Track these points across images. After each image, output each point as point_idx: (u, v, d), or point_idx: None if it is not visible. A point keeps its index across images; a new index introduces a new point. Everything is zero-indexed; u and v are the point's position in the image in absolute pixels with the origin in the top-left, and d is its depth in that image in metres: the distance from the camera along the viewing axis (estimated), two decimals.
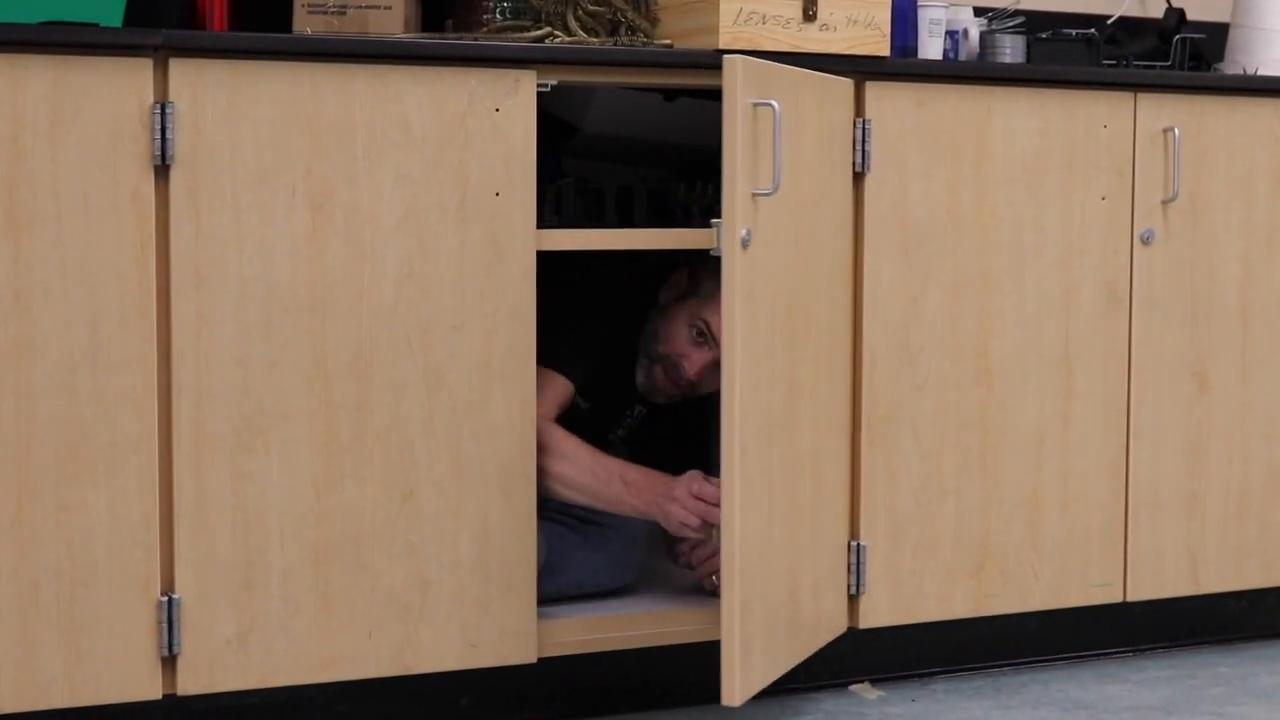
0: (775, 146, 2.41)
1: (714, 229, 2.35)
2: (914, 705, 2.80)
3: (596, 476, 2.66)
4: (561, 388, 2.74)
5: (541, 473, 2.60)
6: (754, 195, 2.36)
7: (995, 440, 2.88)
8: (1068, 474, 2.94)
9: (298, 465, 2.42)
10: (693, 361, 2.78)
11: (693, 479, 2.64)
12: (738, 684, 2.36)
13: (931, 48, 3.03)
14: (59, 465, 2.31)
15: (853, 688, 2.86)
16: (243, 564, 2.40)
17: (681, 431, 3.00)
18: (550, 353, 2.67)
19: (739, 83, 2.30)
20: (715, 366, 2.74)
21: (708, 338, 2.76)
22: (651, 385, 2.85)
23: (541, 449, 2.60)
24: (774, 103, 2.38)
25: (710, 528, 2.64)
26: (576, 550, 2.74)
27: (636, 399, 2.91)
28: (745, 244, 2.33)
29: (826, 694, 2.84)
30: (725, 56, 2.31)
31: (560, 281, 2.72)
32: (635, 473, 2.67)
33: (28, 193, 2.27)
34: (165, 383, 2.36)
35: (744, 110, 2.31)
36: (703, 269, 2.78)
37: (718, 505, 2.53)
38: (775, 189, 2.43)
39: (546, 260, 2.58)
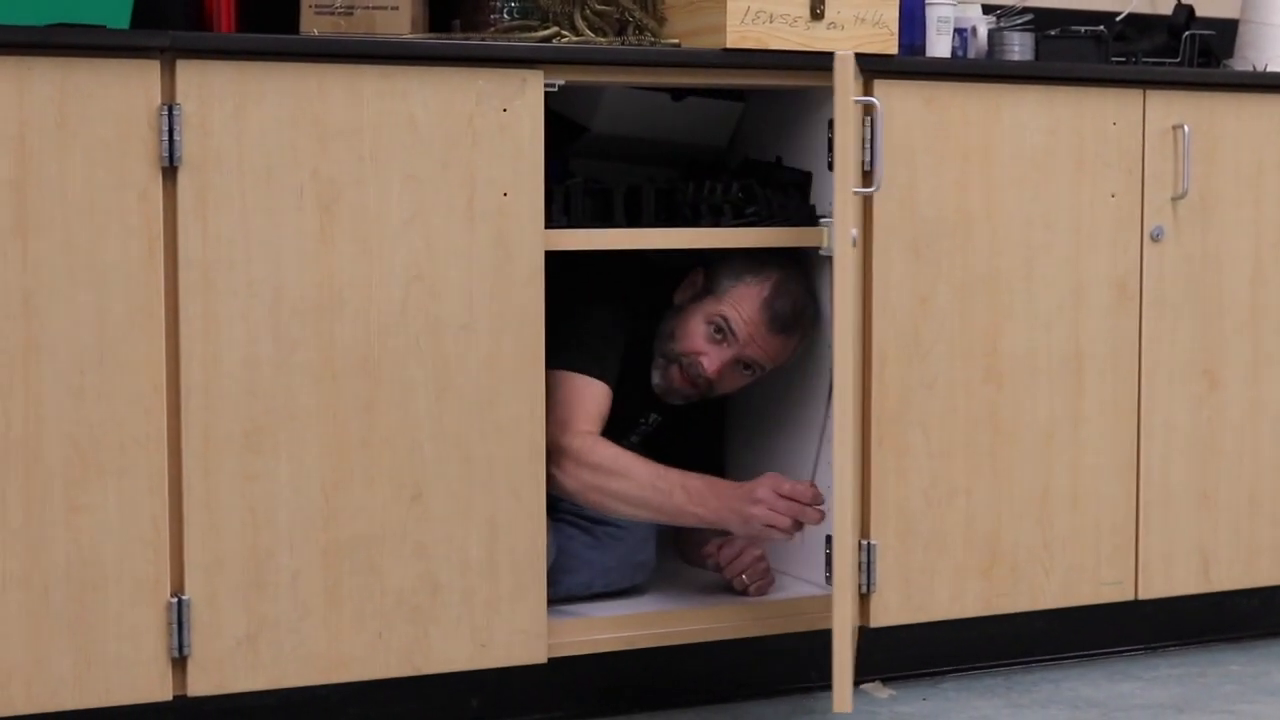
0: (875, 144, 2.50)
1: (824, 229, 2.34)
2: (925, 704, 2.80)
3: (658, 490, 2.61)
4: (601, 394, 2.70)
5: (596, 491, 2.60)
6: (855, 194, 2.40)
7: (1005, 438, 2.87)
8: (1078, 472, 2.94)
9: (306, 466, 2.42)
10: (711, 359, 2.75)
11: (776, 480, 2.60)
12: (849, 690, 2.41)
13: (939, 45, 3.03)
14: (68, 467, 2.31)
15: (864, 686, 2.86)
16: (252, 565, 2.40)
17: (694, 439, 2.99)
18: (577, 357, 2.66)
19: (851, 80, 2.31)
20: (733, 364, 2.75)
21: (726, 334, 2.74)
22: (668, 386, 2.81)
23: (595, 467, 2.59)
24: (876, 100, 2.41)
25: (800, 528, 2.61)
26: (586, 551, 2.73)
27: (651, 406, 2.88)
28: (855, 244, 2.36)
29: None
30: (837, 54, 2.32)
31: (576, 285, 2.72)
32: (697, 481, 2.63)
33: (35, 195, 2.28)
34: (174, 384, 2.36)
35: (855, 108, 2.33)
36: (718, 268, 2.78)
37: (810, 504, 2.56)
38: (877, 188, 2.52)
39: (561, 263, 2.58)
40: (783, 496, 2.58)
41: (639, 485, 2.61)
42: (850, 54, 2.32)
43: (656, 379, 2.81)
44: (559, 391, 2.66)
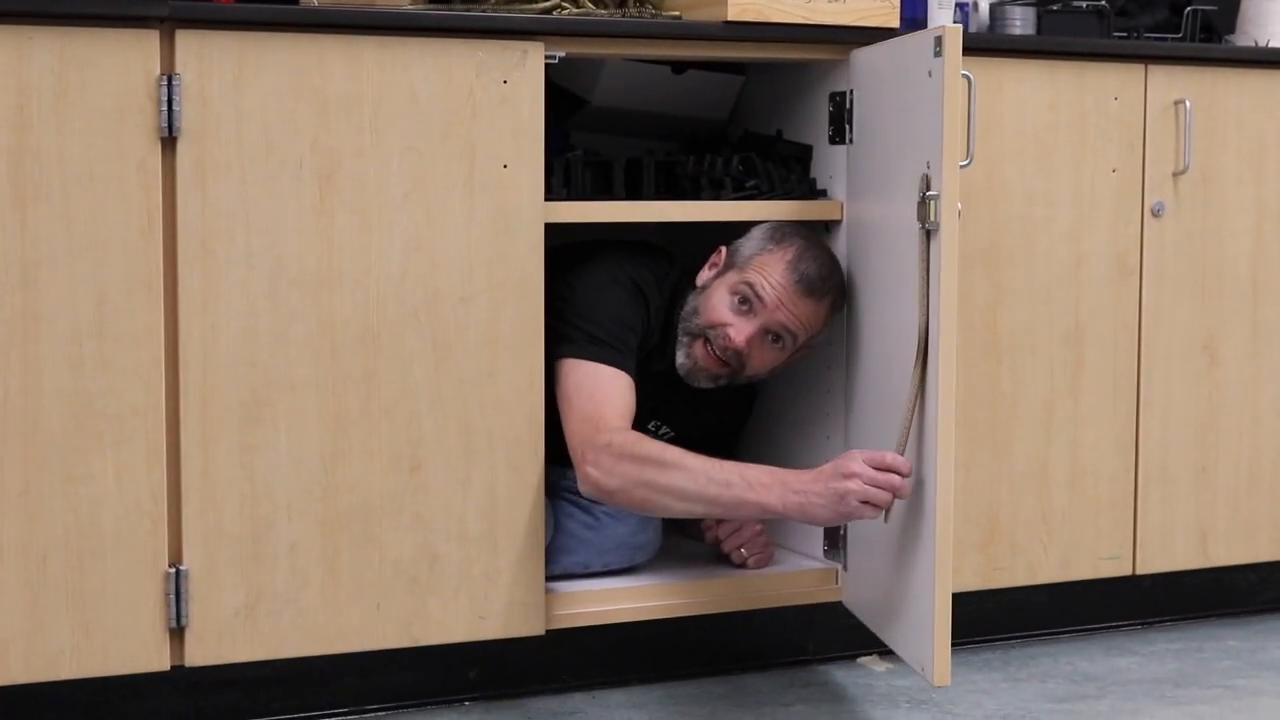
0: (971, 118, 2.56)
1: (929, 203, 2.33)
2: (921, 677, 2.80)
3: (714, 481, 2.43)
4: (628, 387, 2.59)
5: (646, 487, 2.45)
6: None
7: (1005, 413, 2.87)
8: (1077, 447, 2.94)
9: (305, 437, 2.42)
10: (738, 329, 2.61)
11: (867, 453, 2.41)
12: (949, 663, 2.39)
13: (941, 19, 3.01)
14: (66, 437, 2.31)
15: (861, 660, 2.86)
16: (250, 536, 2.41)
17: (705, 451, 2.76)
18: (601, 349, 2.58)
19: (959, 55, 2.31)
20: (762, 335, 2.63)
21: (752, 303, 2.62)
22: (694, 365, 2.68)
23: (643, 461, 2.45)
24: (970, 75, 2.42)
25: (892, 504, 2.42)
26: (584, 530, 2.70)
27: (661, 416, 2.80)
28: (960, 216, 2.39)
29: (835, 665, 2.84)
30: (946, 28, 2.31)
31: (591, 272, 2.69)
32: (755, 471, 2.45)
33: (34, 165, 2.27)
34: (172, 355, 2.36)
35: (960, 83, 2.34)
36: (739, 243, 2.70)
37: (904, 476, 2.39)
38: (970, 161, 2.59)
39: (578, 252, 2.57)
40: (880, 469, 2.39)
41: (694, 478, 2.44)
42: (958, 28, 2.32)
43: (681, 358, 2.69)
44: (585, 385, 2.57)
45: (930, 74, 2.36)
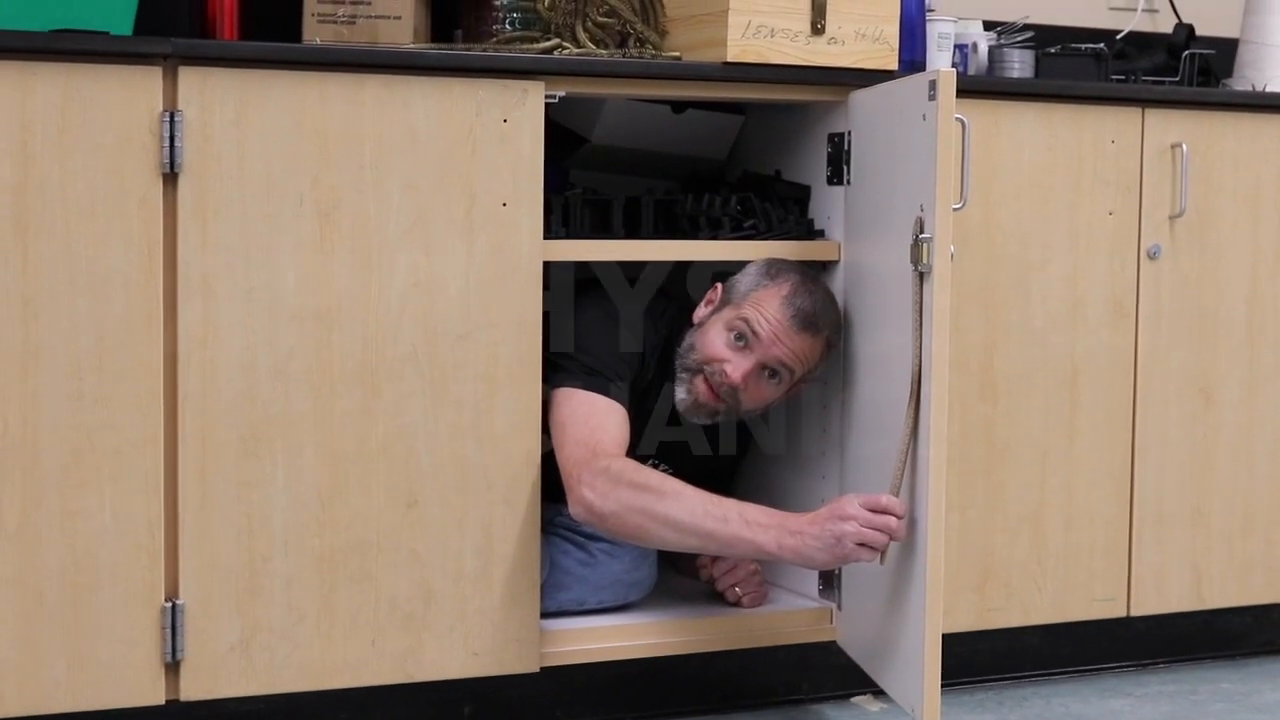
0: (965, 161, 2.56)
1: (922, 245, 2.35)
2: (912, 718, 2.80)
3: (711, 515, 2.42)
4: (623, 419, 2.58)
5: (641, 514, 2.43)
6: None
7: (1000, 454, 2.88)
8: (1072, 488, 2.94)
9: (302, 473, 2.43)
10: (735, 365, 2.61)
11: (863, 496, 2.41)
12: (939, 704, 2.39)
13: (940, 62, 3.04)
14: (64, 471, 2.32)
15: (855, 699, 2.86)
16: (247, 571, 2.41)
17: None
18: (597, 380, 2.59)
19: (953, 98, 2.33)
20: (758, 371, 2.63)
21: (748, 339, 2.62)
22: (694, 401, 2.67)
23: (641, 488, 2.44)
24: (965, 118, 2.43)
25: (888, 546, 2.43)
26: (579, 568, 2.70)
27: (659, 454, 2.78)
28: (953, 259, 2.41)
29: (829, 705, 2.84)
30: (941, 72, 2.33)
31: (589, 307, 2.70)
32: (754, 510, 2.45)
33: (36, 199, 2.29)
34: (171, 389, 2.36)
35: (954, 127, 2.36)
36: (734, 280, 2.71)
37: (900, 518, 2.39)
38: (964, 204, 2.60)
39: (577, 287, 2.58)
40: (875, 512, 2.40)
41: (691, 510, 2.42)
42: (952, 71, 2.33)
43: (681, 394, 2.68)
44: (580, 412, 2.57)
45: (924, 117, 2.38)
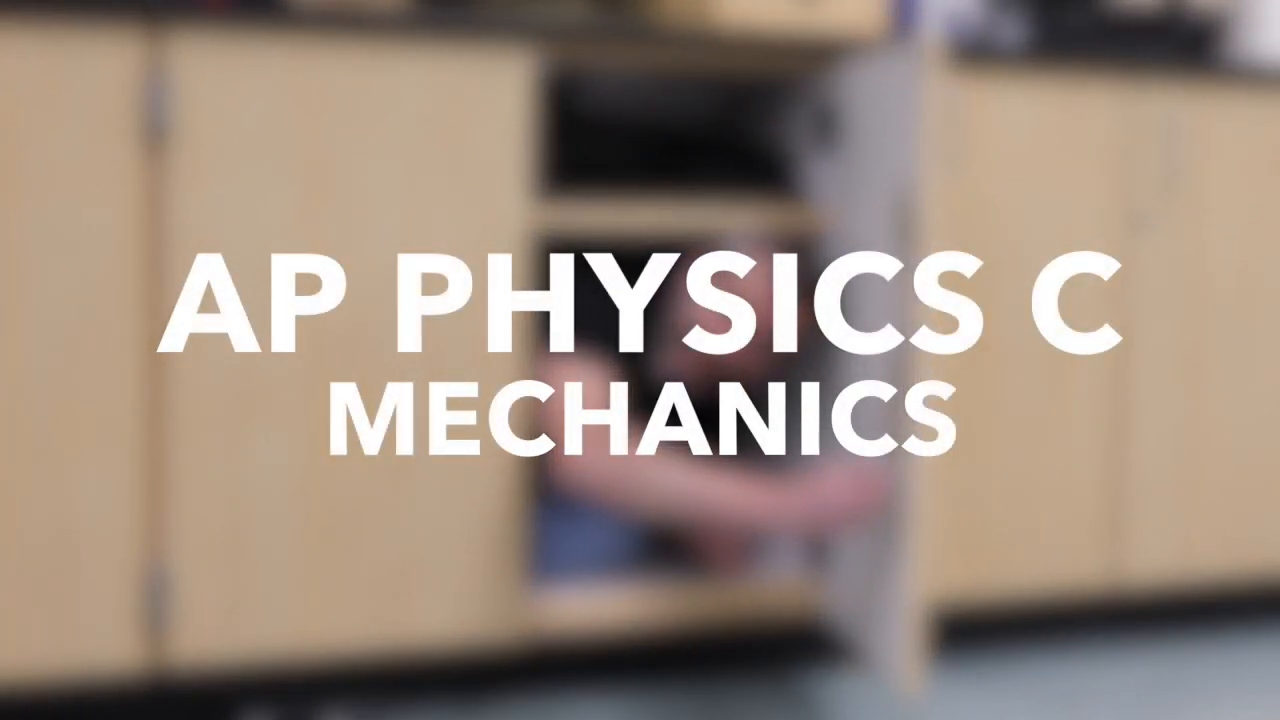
0: (954, 134, 2.61)
1: (908, 216, 2.35)
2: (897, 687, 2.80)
3: (696, 484, 2.38)
4: (608, 383, 2.57)
5: (629, 479, 2.39)
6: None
7: (990, 426, 2.88)
8: (1062, 459, 2.94)
9: (290, 438, 2.43)
10: (715, 332, 2.62)
11: (851, 468, 2.40)
12: (921, 670, 2.40)
13: (931, 32, 3.02)
14: (50, 437, 2.32)
15: (841, 669, 2.86)
16: (233, 536, 2.41)
17: None
18: (580, 341, 2.61)
19: (940, 70, 2.34)
20: (738, 336, 2.64)
21: (725, 306, 2.62)
22: (678, 366, 2.70)
23: (629, 454, 2.41)
24: (954, 89, 2.52)
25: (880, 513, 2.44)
26: (565, 538, 2.73)
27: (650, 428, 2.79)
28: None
29: (815, 675, 2.84)
30: (929, 42, 2.32)
31: (581, 282, 2.70)
32: (741, 482, 2.40)
33: (19, 164, 2.28)
34: (158, 355, 2.36)
35: (941, 98, 2.37)
36: (708, 248, 2.72)
37: (886, 489, 2.39)
38: (952, 175, 2.64)
39: (578, 269, 2.58)
40: (863, 479, 2.40)
41: (676, 479, 2.38)
42: (941, 43, 2.34)
43: (669, 366, 2.72)
44: (569, 377, 2.57)
45: (911, 87, 2.37)
